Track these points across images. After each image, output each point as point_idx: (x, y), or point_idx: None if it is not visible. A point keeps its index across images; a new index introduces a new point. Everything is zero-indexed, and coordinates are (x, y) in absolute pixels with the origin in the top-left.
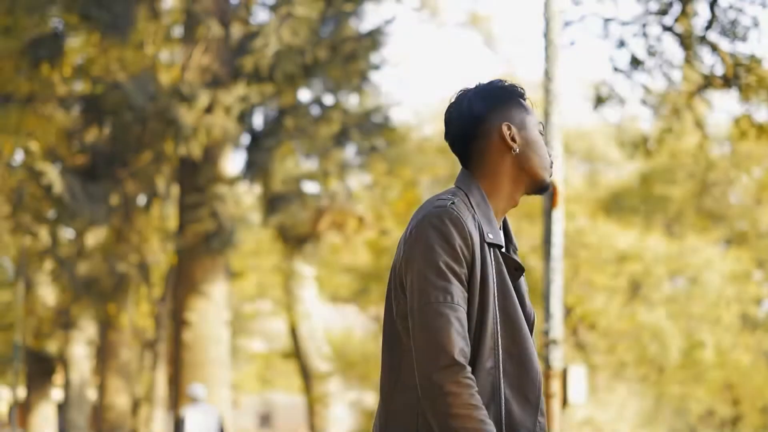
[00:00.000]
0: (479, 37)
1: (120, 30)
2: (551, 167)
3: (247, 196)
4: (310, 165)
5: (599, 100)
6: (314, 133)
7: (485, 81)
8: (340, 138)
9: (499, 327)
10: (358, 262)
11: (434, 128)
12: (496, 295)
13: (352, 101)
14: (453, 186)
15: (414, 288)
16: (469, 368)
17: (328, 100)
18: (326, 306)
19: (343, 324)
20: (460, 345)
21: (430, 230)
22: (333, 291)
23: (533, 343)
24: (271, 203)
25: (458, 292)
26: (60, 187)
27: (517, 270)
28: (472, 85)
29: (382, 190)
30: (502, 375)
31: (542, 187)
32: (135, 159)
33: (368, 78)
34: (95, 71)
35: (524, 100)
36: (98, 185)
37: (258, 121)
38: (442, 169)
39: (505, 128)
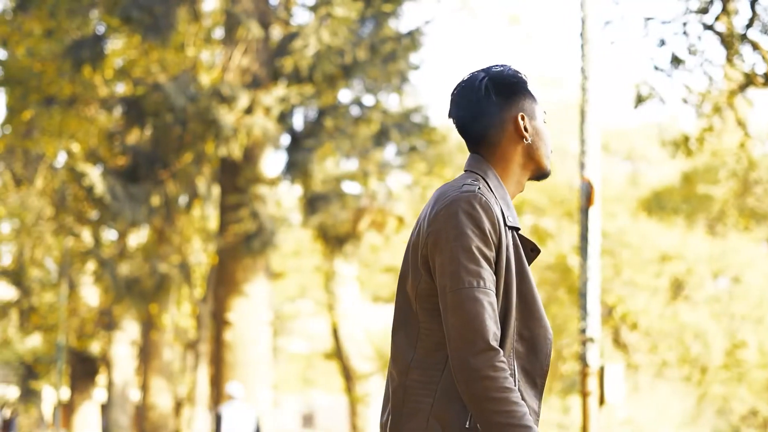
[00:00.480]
0: (518, 37)
1: (160, 32)
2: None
3: (288, 196)
4: (350, 165)
5: (640, 100)
6: (354, 133)
7: (495, 66)
8: (380, 138)
9: (514, 310)
10: (398, 262)
11: None
12: (515, 278)
13: (391, 101)
14: (466, 170)
15: (446, 271)
16: (501, 352)
17: (368, 100)
18: (367, 306)
19: (384, 324)
20: (493, 329)
21: (462, 214)
22: (374, 291)
23: (547, 327)
24: (311, 203)
25: (489, 277)
26: (101, 189)
27: (533, 251)
28: (483, 70)
29: (422, 190)
30: (515, 358)
31: (545, 175)
32: (176, 160)
33: (407, 78)
34: (136, 73)
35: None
36: (139, 186)
37: (298, 121)
38: None
39: (520, 119)
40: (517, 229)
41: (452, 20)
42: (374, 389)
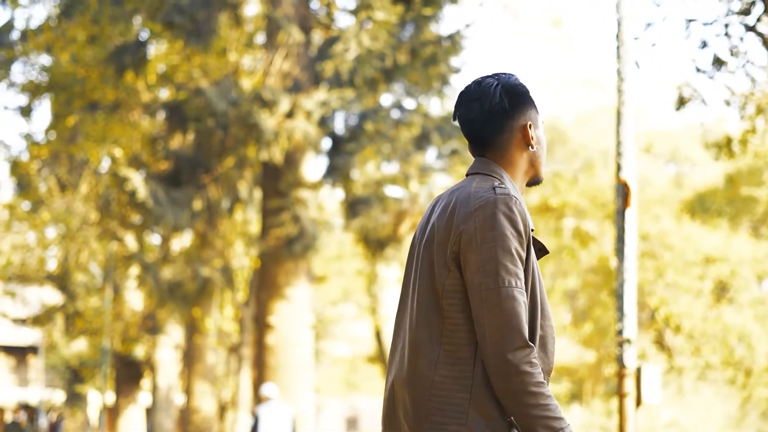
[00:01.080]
0: (560, 39)
1: (202, 37)
2: None
3: (330, 200)
4: (391, 169)
5: (682, 102)
6: (395, 136)
7: (504, 74)
8: (421, 141)
9: (538, 309)
10: None
11: None
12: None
13: (432, 105)
14: (479, 173)
15: (485, 269)
16: (535, 349)
17: (409, 104)
18: None
19: None
20: (527, 327)
21: (501, 216)
22: None
23: (553, 326)
24: (352, 207)
25: (522, 277)
26: (144, 193)
27: (540, 251)
28: (493, 77)
29: None
30: None
31: (539, 182)
32: (218, 164)
33: (449, 81)
34: (179, 78)
35: None
36: (182, 191)
37: (339, 125)
38: None
39: (528, 127)
40: (532, 230)
41: (494, 23)
42: None
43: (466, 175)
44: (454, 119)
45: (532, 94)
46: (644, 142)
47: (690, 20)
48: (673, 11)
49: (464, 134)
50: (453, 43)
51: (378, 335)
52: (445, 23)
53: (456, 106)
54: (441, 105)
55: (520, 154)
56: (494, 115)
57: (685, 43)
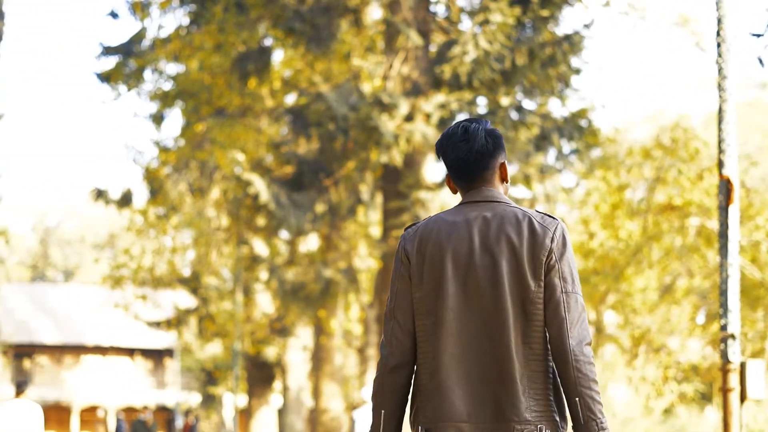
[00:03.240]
0: (689, 38)
1: (322, 43)
2: None
3: (454, 201)
4: (512, 169)
5: None
6: (514, 137)
7: (482, 121)
8: (541, 142)
9: None
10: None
11: (643, 130)
12: None
13: (552, 105)
14: (496, 201)
15: (571, 278)
16: None
17: (528, 104)
18: None
19: None
20: None
21: (567, 236)
22: None
23: None
24: None
25: None
26: (266, 197)
27: None
28: (476, 122)
29: (586, 194)
30: None
31: None
32: (340, 168)
33: (568, 82)
34: (302, 84)
35: None
36: (304, 194)
37: None
38: (648, 171)
39: (505, 165)
40: None
41: (620, 22)
42: None
43: (473, 201)
44: (439, 158)
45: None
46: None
47: None
48: None
49: (451, 170)
50: (572, 43)
51: None
52: (568, 23)
53: (442, 146)
54: (562, 105)
55: (498, 187)
56: (481, 155)
57: None
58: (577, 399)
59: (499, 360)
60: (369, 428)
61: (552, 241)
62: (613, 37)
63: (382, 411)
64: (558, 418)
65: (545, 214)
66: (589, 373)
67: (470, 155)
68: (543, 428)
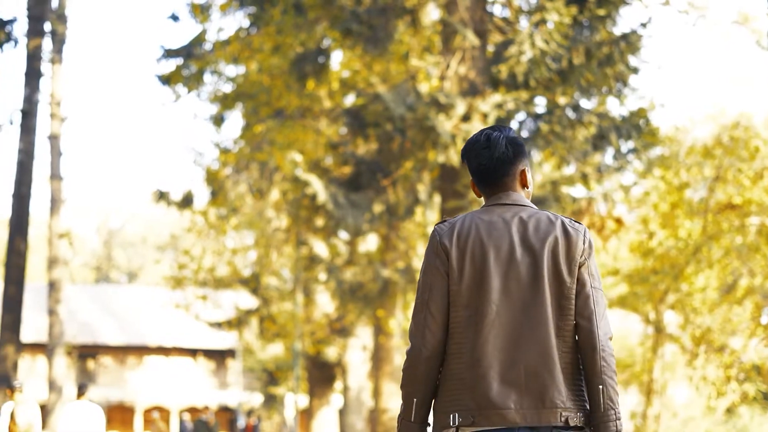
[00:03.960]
0: (749, 37)
1: (379, 43)
2: None
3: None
4: (569, 169)
5: None
6: (571, 137)
7: (505, 128)
8: (599, 141)
9: None
10: (623, 265)
11: (703, 129)
12: None
13: (610, 105)
14: (523, 205)
15: (593, 276)
16: None
17: (585, 104)
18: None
19: (612, 327)
20: None
21: (593, 241)
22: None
23: None
24: None
25: None
26: (323, 197)
27: None
28: (497, 129)
29: (645, 193)
30: None
31: None
32: (397, 168)
33: (626, 81)
34: (360, 84)
35: None
36: (362, 194)
37: (514, 126)
38: (708, 170)
39: (525, 171)
40: None
41: (679, 21)
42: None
43: (502, 203)
44: (463, 163)
45: (525, 146)
46: None
47: None
48: None
49: (474, 175)
50: (629, 42)
51: None
52: (624, 22)
53: (466, 153)
54: (619, 104)
55: (520, 192)
56: (502, 161)
57: None
58: (600, 387)
59: (541, 351)
60: (400, 415)
61: (584, 242)
62: (674, 35)
63: (415, 399)
64: (588, 408)
65: (572, 219)
66: (612, 363)
67: (491, 162)
68: (581, 416)
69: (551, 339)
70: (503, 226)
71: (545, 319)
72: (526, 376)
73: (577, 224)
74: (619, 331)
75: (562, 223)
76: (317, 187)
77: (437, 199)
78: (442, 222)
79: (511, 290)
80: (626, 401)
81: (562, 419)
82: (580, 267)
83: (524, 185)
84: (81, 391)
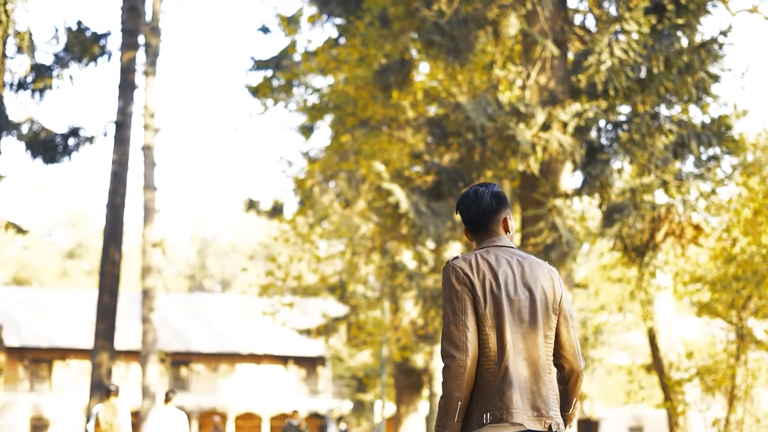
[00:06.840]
0: None
1: (461, 54)
2: None
3: (589, 207)
4: (648, 178)
5: None
6: (651, 145)
7: (490, 185)
8: (679, 149)
9: None
10: (705, 272)
11: None
12: None
13: (691, 112)
14: (511, 247)
15: (570, 310)
16: None
17: (665, 112)
18: (681, 317)
19: (697, 335)
20: None
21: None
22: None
23: None
24: (609, 215)
25: None
26: (406, 206)
27: None
28: (483, 186)
29: (728, 201)
30: None
31: None
32: (478, 177)
33: (707, 89)
34: (442, 94)
35: None
36: (444, 203)
37: (594, 135)
38: None
39: (507, 219)
40: None
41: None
42: (690, 399)
43: (497, 245)
44: (457, 213)
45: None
46: None
47: None
48: None
49: (465, 223)
50: (708, 50)
51: (652, 343)
52: (706, 29)
53: (459, 205)
54: (701, 111)
55: (504, 235)
56: (487, 212)
57: None
58: (575, 400)
59: (539, 371)
60: (443, 415)
61: (560, 286)
62: (760, 41)
63: (459, 403)
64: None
65: (547, 262)
66: (581, 385)
67: (479, 212)
68: (561, 424)
69: (543, 362)
70: (506, 264)
71: (539, 346)
72: (534, 389)
73: (554, 269)
74: (702, 338)
75: (549, 268)
76: (399, 195)
77: (517, 207)
78: (455, 259)
79: (515, 318)
80: (711, 408)
81: (555, 427)
82: (560, 306)
83: (507, 230)
84: (168, 397)
